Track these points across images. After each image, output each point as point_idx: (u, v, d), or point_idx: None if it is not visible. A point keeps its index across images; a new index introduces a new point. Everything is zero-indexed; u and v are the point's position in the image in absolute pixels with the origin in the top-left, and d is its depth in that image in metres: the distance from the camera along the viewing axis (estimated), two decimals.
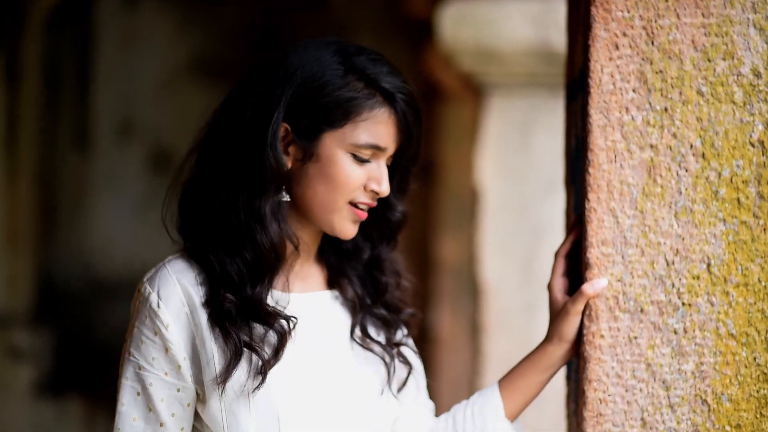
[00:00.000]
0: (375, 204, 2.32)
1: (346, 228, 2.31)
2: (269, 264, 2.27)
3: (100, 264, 8.50)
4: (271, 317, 2.25)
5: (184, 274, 2.27)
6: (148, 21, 8.63)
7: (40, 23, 7.93)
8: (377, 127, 2.26)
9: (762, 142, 2.25)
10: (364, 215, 2.31)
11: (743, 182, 2.25)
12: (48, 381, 7.68)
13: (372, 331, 2.42)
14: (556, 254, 2.41)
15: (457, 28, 4.68)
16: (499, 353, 4.63)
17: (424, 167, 6.07)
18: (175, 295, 2.25)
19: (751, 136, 2.25)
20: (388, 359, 2.40)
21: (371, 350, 2.40)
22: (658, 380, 2.27)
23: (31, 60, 7.89)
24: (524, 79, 4.76)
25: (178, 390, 2.26)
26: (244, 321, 2.25)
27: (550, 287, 2.40)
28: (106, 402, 7.68)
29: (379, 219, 2.41)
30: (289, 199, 2.29)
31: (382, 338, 2.42)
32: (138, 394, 2.26)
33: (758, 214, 2.25)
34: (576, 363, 2.37)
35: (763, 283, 2.25)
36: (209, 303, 2.25)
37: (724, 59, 2.26)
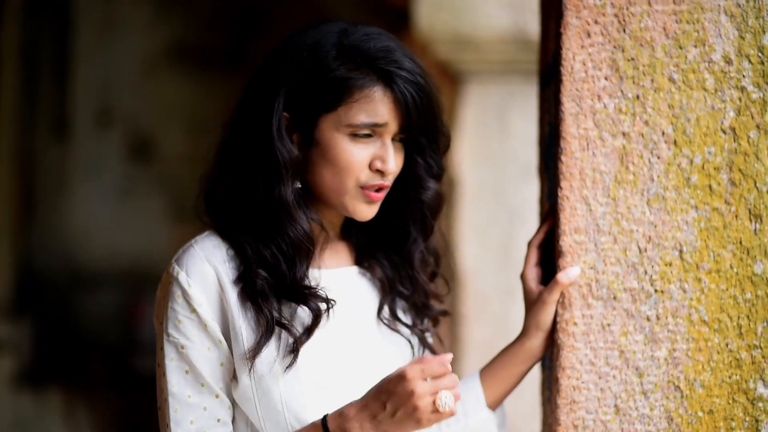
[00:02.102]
0: (387, 184, 2.30)
1: (360, 210, 2.30)
2: (304, 250, 2.28)
3: (80, 253, 8.48)
4: (310, 297, 2.26)
5: (213, 252, 2.28)
6: (126, 7, 8.61)
7: (19, 10, 7.90)
8: (371, 105, 2.24)
9: (733, 129, 2.25)
10: (377, 196, 2.29)
11: (715, 169, 2.26)
12: (28, 372, 7.67)
13: (400, 314, 2.44)
14: (529, 244, 2.42)
15: (433, 17, 4.67)
16: (477, 339, 4.64)
17: None
18: (205, 273, 2.25)
19: (722, 122, 2.26)
20: (414, 342, 2.42)
21: (398, 332, 2.41)
22: (631, 367, 2.27)
23: (9, 47, 7.86)
24: (501, 66, 4.75)
25: (221, 364, 2.26)
26: (275, 298, 2.26)
27: (523, 277, 2.40)
28: (86, 393, 7.69)
29: (410, 200, 2.39)
30: (300, 186, 2.29)
31: (409, 321, 2.44)
32: (186, 372, 2.25)
33: (730, 200, 2.26)
34: (550, 350, 2.38)
35: (735, 270, 2.26)
36: (240, 279, 2.26)
37: (695, 46, 2.26)
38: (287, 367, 2.24)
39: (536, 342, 2.38)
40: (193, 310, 2.24)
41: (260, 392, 2.25)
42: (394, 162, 2.27)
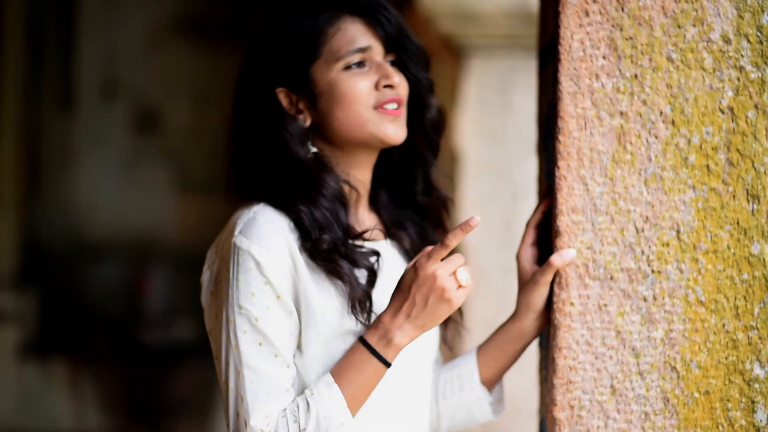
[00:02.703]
0: (401, 97, 2.36)
1: (389, 131, 2.34)
2: (344, 205, 2.32)
3: (85, 225, 8.50)
4: (360, 254, 2.31)
5: (277, 222, 2.28)
6: None
7: None
8: (348, 35, 2.33)
9: (731, 109, 2.24)
10: (398, 111, 2.35)
11: (713, 149, 2.25)
12: (33, 343, 7.70)
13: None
14: (527, 224, 2.41)
15: None
16: (479, 315, 4.62)
17: None
18: (277, 244, 2.25)
19: (720, 102, 2.25)
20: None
21: None
22: (628, 347, 2.27)
23: (14, 20, 7.86)
24: (504, 40, 4.73)
25: (291, 334, 2.26)
26: (337, 260, 2.28)
27: (518, 257, 2.40)
28: (90, 365, 7.71)
29: (417, 121, 2.44)
30: (316, 150, 2.36)
31: None
32: (260, 344, 2.24)
33: (727, 180, 2.25)
34: (547, 330, 2.38)
35: (732, 250, 2.25)
36: (306, 246, 2.27)
37: (693, 25, 2.25)
38: (363, 323, 2.27)
39: (527, 322, 2.39)
40: (267, 282, 2.23)
41: (326, 358, 2.28)
42: (395, 73, 2.35)
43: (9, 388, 7.46)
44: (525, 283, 2.38)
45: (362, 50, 2.33)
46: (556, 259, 2.28)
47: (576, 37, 2.27)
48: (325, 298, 2.26)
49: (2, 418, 7.39)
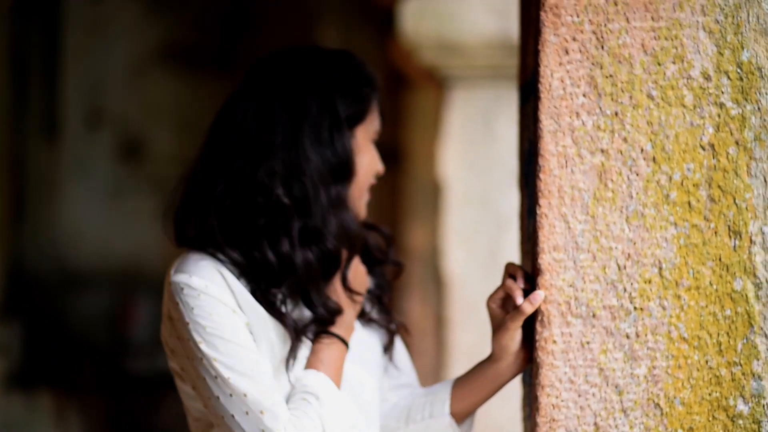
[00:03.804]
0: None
1: (364, 208, 2.50)
2: (353, 248, 2.45)
3: (71, 254, 8.48)
4: (327, 309, 2.40)
5: (211, 260, 2.33)
6: (116, 7, 8.59)
7: (7, 11, 7.88)
8: (377, 115, 2.49)
9: (712, 145, 2.25)
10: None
11: (694, 185, 2.25)
12: (18, 374, 7.66)
13: (368, 307, 2.57)
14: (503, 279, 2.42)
15: (418, 22, 4.68)
16: (464, 345, 4.64)
17: (393, 155, 6.06)
18: (214, 273, 2.31)
19: (701, 139, 2.25)
20: (389, 327, 2.58)
21: (371, 322, 2.57)
22: (611, 385, 2.27)
23: None
24: (486, 71, 4.75)
25: (254, 341, 2.33)
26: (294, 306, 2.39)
27: (488, 303, 2.40)
28: (77, 395, 7.68)
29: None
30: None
31: (374, 313, 2.58)
32: (238, 350, 2.29)
33: (709, 217, 2.25)
34: (530, 368, 2.37)
35: (715, 287, 2.25)
36: (255, 295, 2.34)
37: (674, 63, 2.25)
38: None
39: (504, 364, 2.40)
40: (219, 301, 2.29)
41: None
42: None
43: None
44: (497, 329, 2.38)
45: (378, 132, 2.51)
46: (526, 307, 2.28)
47: (556, 75, 2.27)
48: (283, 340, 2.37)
49: None
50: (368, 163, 2.45)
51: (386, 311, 2.59)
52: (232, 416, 2.26)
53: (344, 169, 2.40)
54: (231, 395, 2.26)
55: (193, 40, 8.52)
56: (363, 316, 2.54)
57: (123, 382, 7.85)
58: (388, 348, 2.57)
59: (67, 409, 7.57)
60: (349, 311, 2.43)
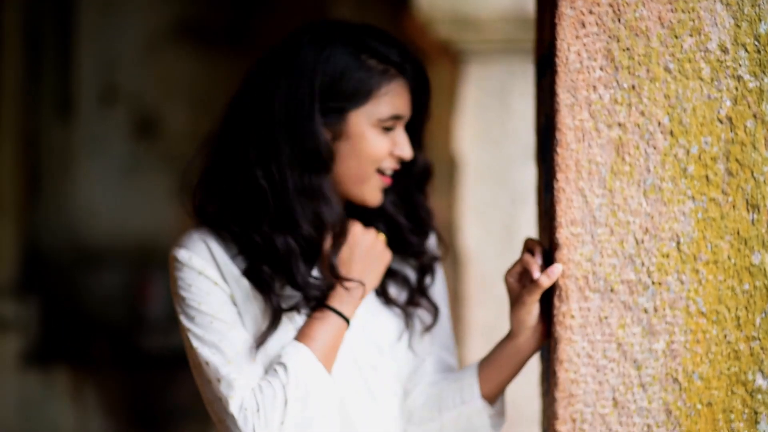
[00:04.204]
0: (399, 167, 2.47)
1: (375, 196, 2.45)
2: (335, 235, 2.42)
3: (86, 231, 8.47)
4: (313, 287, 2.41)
5: (208, 235, 2.40)
6: None
7: None
8: (395, 99, 2.41)
9: (730, 119, 2.23)
10: (389, 181, 2.46)
11: (711, 159, 2.24)
12: (34, 351, 7.68)
13: (393, 290, 2.55)
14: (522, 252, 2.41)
15: None
16: (480, 321, 4.63)
17: None
18: (201, 245, 2.38)
19: (718, 112, 2.24)
20: (405, 316, 2.54)
21: (390, 307, 2.54)
22: (629, 360, 2.26)
23: (12, 26, 7.84)
24: (501, 45, 4.72)
25: (236, 313, 2.39)
26: (282, 288, 2.40)
27: (505, 277, 2.39)
28: (93, 372, 7.70)
29: (405, 175, 2.53)
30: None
31: (403, 297, 2.55)
32: (211, 323, 2.35)
33: (727, 190, 2.24)
34: (548, 343, 2.37)
35: (733, 261, 2.24)
36: (245, 274, 2.38)
37: (691, 35, 2.24)
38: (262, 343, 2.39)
39: (523, 339, 2.40)
40: (200, 273, 2.36)
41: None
42: (410, 148, 2.46)
43: (10, 396, 7.44)
44: (514, 303, 2.38)
45: (399, 117, 2.42)
46: (543, 280, 2.28)
47: (573, 48, 2.25)
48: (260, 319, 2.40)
49: (4, 427, 7.38)
50: (366, 150, 2.40)
51: (413, 299, 2.56)
52: (201, 385, 2.36)
53: (315, 158, 2.37)
54: (199, 364, 2.34)
55: (206, 17, 8.49)
56: (384, 296, 2.53)
57: (139, 359, 7.87)
58: (403, 333, 2.54)
59: (84, 386, 7.59)
60: (356, 288, 2.41)
